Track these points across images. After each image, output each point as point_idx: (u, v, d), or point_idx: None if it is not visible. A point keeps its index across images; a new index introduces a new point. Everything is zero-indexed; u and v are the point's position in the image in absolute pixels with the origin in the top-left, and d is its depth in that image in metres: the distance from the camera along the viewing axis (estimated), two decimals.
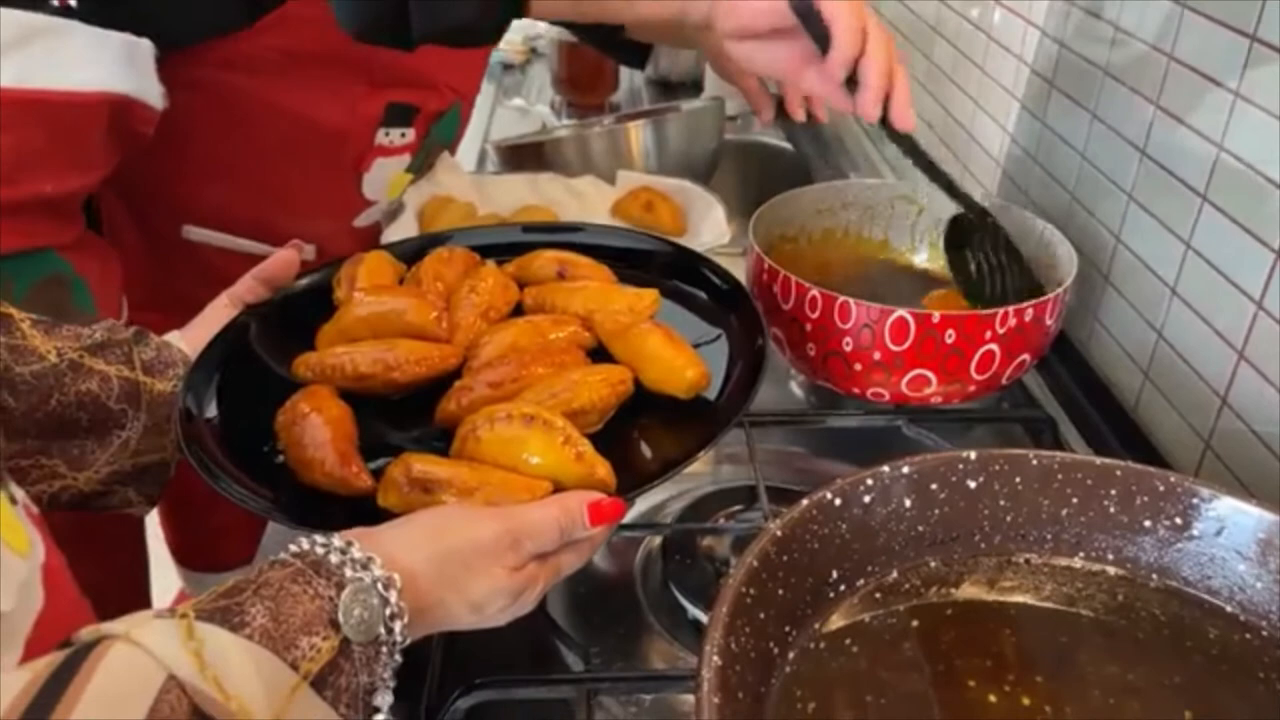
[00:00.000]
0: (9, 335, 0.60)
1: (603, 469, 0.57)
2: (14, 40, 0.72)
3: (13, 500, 0.45)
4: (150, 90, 0.82)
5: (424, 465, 0.56)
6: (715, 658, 0.44)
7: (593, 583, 0.72)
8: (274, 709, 0.39)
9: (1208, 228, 0.74)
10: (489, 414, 0.58)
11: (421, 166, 1.09)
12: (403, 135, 1.01)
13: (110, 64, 0.78)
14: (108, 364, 0.63)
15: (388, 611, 0.45)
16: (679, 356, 0.65)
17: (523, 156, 1.25)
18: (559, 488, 0.55)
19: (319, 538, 0.46)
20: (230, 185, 0.97)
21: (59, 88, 0.75)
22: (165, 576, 1.20)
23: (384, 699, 0.46)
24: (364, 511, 0.56)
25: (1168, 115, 0.78)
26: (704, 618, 0.66)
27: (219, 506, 1.12)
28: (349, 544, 0.46)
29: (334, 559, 0.45)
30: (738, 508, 0.75)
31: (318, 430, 0.60)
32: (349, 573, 0.45)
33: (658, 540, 0.74)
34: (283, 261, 0.74)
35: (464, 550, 0.49)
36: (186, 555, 1.24)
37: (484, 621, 0.51)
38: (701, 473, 0.83)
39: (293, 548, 0.46)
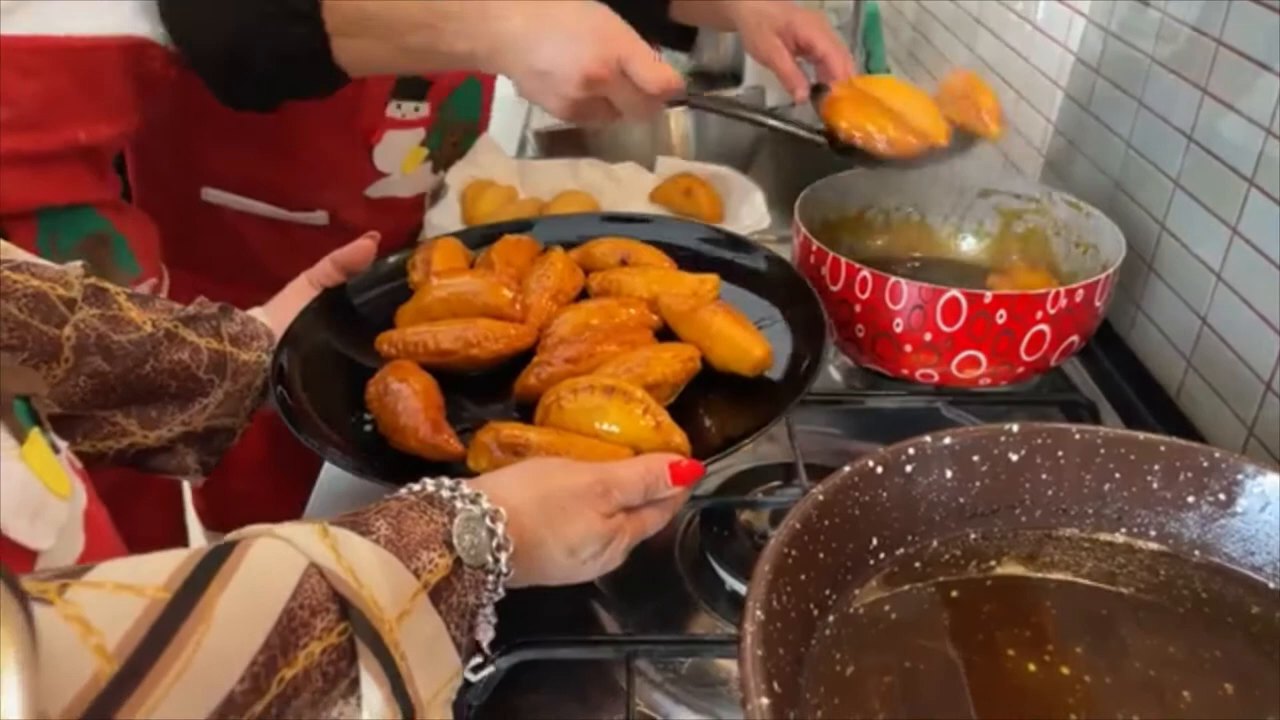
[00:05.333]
0: (105, 308, 0.63)
1: (679, 437, 0.60)
2: None
3: (55, 449, 0.47)
4: (162, 31, 0.83)
5: (513, 430, 0.60)
6: (758, 612, 0.44)
7: (632, 554, 0.72)
8: (398, 609, 0.41)
9: (1255, 213, 0.73)
10: (571, 385, 0.62)
11: (442, 144, 1.10)
12: (416, 109, 1.02)
13: (123, 8, 0.80)
14: (199, 336, 0.67)
15: (494, 542, 0.48)
16: (745, 336, 0.68)
17: (563, 142, 1.26)
18: (637, 455, 0.58)
19: (428, 479, 0.49)
20: (244, 149, 1.00)
21: (78, 33, 0.77)
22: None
23: (485, 634, 0.48)
24: (452, 475, 0.59)
25: (1216, 101, 0.78)
26: (742, 589, 0.66)
27: (243, 471, 1.14)
28: (458, 482, 0.49)
29: (445, 494, 0.48)
30: (775, 484, 0.76)
31: (409, 400, 0.64)
32: (459, 504, 0.47)
33: (696, 513, 0.74)
34: (360, 249, 0.78)
35: (561, 493, 0.52)
36: (209, 516, 1.27)
37: (576, 569, 0.54)
38: (740, 450, 0.83)
39: (403, 490, 0.49)
